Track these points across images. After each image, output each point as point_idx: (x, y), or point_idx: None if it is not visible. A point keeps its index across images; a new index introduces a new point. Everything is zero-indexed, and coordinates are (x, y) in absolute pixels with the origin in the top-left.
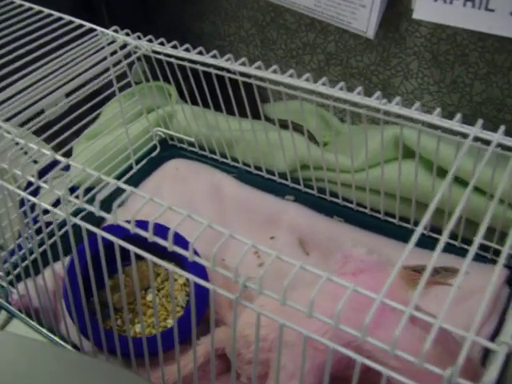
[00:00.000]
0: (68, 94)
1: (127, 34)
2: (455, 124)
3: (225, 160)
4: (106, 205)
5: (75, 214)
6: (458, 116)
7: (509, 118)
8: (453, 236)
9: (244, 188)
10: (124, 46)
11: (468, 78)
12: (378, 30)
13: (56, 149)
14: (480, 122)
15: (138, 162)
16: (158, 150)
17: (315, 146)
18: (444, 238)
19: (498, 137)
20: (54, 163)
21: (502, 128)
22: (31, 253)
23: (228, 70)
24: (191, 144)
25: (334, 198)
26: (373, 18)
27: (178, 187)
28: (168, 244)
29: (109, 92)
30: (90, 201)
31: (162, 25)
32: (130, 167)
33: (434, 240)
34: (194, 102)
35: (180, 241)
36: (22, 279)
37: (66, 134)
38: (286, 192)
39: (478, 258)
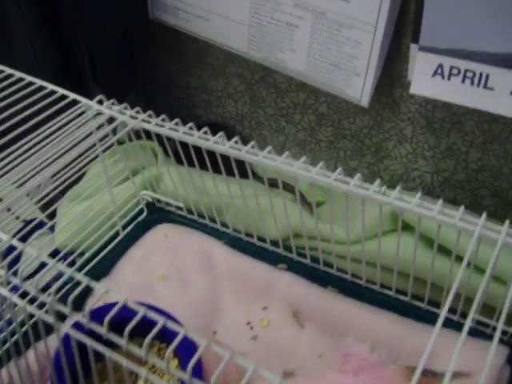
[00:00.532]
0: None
1: (113, 103)
2: (457, 221)
3: (214, 225)
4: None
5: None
6: (461, 209)
7: (505, 186)
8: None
9: (235, 255)
10: (111, 120)
11: (464, 145)
12: (374, 94)
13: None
14: (484, 216)
15: (124, 227)
16: (145, 213)
17: (308, 215)
18: (442, 316)
19: (503, 236)
20: (41, 224)
21: (507, 223)
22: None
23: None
24: (180, 207)
25: (328, 268)
26: (367, 86)
27: (167, 255)
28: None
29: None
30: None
31: (149, 76)
32: (117, 233)
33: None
34: (180, 160)
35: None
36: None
37: (51, 195)
38: (279, 260)
39: (481, 334)
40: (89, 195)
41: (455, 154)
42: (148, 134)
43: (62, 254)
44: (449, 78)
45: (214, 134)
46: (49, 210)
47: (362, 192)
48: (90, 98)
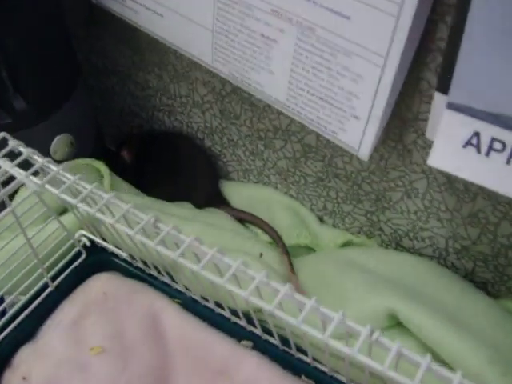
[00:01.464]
0: None
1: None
2: None
3: (165, 280)
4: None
5: None
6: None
7: None
8: None
9: (190, 323)
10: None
11: (494, 215)
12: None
13: None
14: None
15: (57, 275)
16: (83, 256)
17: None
18: None
19: None
20: None
21: None
22: None
23: None
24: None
25: (302, 355)
26: (369, 134)
27: (105, 320)
28: None
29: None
30: None
31: (100, 69)
32: (46, 284)
33: None
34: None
35: None
36: None
37: None
38: (242, 335)
39: None
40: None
41: (481, 223)
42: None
43: None
44: (487, 154)
45: (183, 145)
46: None
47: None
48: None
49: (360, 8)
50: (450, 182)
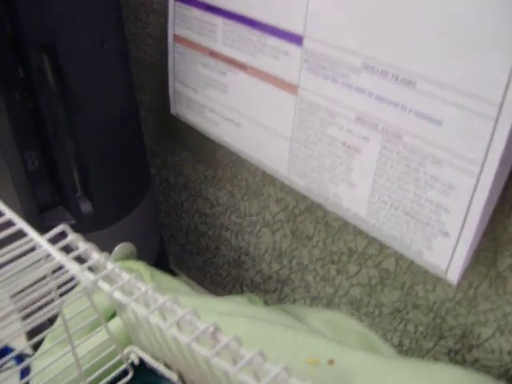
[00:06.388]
0: None
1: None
2: None
3: None
4: None
5: None
6: None
7: None
8: None
9: None
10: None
11: None
12: None
13: None
14: None
15: None
16: (129, 376)
17: None
18: None
19: None
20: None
21: None
22: None
23: None
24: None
25: None
26: (459, 253)
27: None
28: None
29: None
30: None
31: (170, 184)
32: None
33: None
34: None
35: None
36: None
37: None
38: None
39: None
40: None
41: None
42: None
43: None
44: None
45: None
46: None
47: None
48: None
49: (453, 112)
50: None
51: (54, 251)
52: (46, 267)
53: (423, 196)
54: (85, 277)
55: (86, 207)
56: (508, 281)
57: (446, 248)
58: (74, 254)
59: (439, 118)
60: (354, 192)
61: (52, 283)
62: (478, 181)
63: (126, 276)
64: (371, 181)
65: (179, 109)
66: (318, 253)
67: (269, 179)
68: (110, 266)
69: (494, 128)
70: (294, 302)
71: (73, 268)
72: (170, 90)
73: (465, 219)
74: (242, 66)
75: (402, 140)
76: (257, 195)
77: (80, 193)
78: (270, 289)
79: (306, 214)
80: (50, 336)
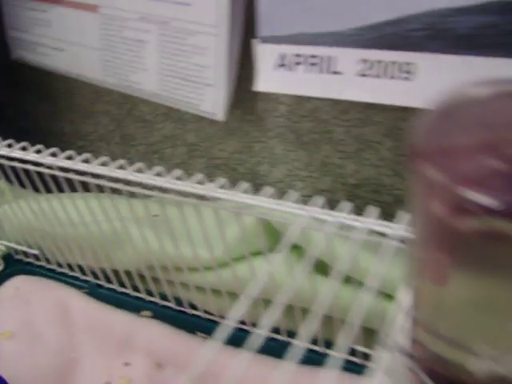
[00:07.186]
0: None
1: None
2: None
3: (75, 274)
4: None
5: None
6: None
7: (389, 199)
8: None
9: (95, 307)
10: None
11: (337, 158)
12: (237, 112)
13: None
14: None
15: None
16: (1, 267)
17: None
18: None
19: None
20: None
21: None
22: None
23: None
24: (36, 255)
25: (196, 311)
26: (220, 96)
27: (17, 309)
28: None
29: None
30: None
31: (20, 127)
32: None
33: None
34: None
35: None
36: None
37: None
38: (142, 307)
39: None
40: None
41: (331, 170)
42: None
43: None
44: (293, 69)
45: None
46: None
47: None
48: None
49: None
50: (298, 138)
51: None
52: None
53: (190, 62)
54: None
55: None
56: (266, 121)
57: (211, 96)
58: None
59: (188, 2)
60: (148, 75)
61: None
62: (217, 39)
63: None
64: (157, 62)
65: (19, 52)
66: (143, 149)
67: (96, 96)
68: None
69: None
70: None
71: None
72: (8, 37)
73: (217, 70)
74: (58, 1)
75: (170, 24)
76: (90, 115)
77: None
78: None
79: (128, 117)
80: None
